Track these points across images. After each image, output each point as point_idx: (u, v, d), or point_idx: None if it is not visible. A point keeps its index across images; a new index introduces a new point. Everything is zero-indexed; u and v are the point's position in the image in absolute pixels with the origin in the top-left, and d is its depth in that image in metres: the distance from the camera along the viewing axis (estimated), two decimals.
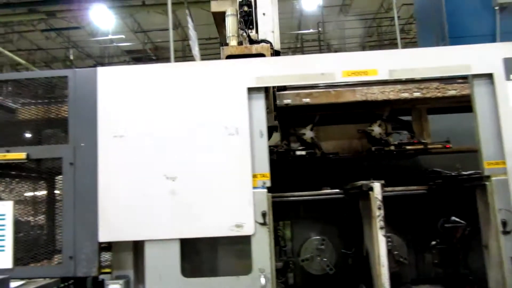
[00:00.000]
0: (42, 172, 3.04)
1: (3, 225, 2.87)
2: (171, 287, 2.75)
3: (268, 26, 3.31)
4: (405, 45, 14.77)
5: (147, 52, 19.26)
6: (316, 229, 3.74)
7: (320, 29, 17.15)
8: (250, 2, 3.35)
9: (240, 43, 3.29)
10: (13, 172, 3.10)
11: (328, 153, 3.91)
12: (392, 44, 19.02)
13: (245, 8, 3.30)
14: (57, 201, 2.97)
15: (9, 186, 3.09)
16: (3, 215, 2.88)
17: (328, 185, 3.63)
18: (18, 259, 2.87)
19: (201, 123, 2.83)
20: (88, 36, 17.81)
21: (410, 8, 15.09)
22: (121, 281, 2.84)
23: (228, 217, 2.76)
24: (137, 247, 3.03)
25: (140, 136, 2.83)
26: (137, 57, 20.19)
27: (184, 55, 18.53)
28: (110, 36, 17.33)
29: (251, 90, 2.85)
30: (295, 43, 20.45)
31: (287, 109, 3.66)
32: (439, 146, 3.60)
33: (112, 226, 2.79)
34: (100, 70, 2.92)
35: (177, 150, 2.81)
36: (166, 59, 20.70)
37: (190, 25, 8.68)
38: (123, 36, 17.94)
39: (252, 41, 3.27)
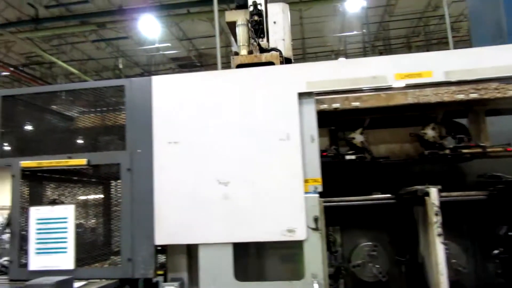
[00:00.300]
0: (101, 177, 3.18)
1: (65, 228, 3.03)
2: None
3: (279, 34, 3.38)
4: (456, 44, 14.23)
5: (192, 59, 19.69)
6: (367, 235, 3.67)
7: (364, 30, 16.87)
8: (261, 11, 3.39)
9: (250, 52, 3.35)
10: (74, 177, 3.27)
11: (378, 158, 3.82)
12: (441, 44, 18.38)
13: (256, 18, 3.36)
14: (114, 205, 3.09)
15: (71, 190, 3.26)
16: (65, 218, 3.03)
17: (378, 190, 3.56)
18: (79, 260, 3.01)
19: (252, 129, 2.86)
20: (135, 45, 18.49)
21: (459, 5, 14.53)
22: (176, 283, 2.91)
23: (280, 222, 2.77)
24: (191, 250, 3.11)
25: (193, 142, 2.90)
26: (182, 64, 20.71)
27: (228, 61, 18.80)
28: (156, 45, 17.90)
29: (301, 95, 2.86)
30: (338, 45, 20.23)
31: (335, 113, 3.62)
32: (500, 149, 3.43)
33: (167, 230, 2.88)
34: (155, 78, 3.02)
35: (229, 155, 2.86)
36: (210, 65, 21.11)
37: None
38: (169, 44, 18.49)
39: (262, 50, 3.33)
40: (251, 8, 3.40)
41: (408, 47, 19.59)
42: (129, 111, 3.02)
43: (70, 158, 3.05)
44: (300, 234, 2.74)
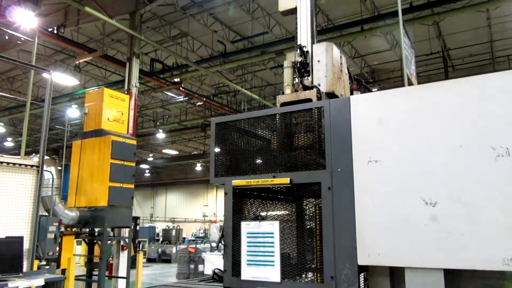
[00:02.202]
0: (300, 195, 3.32)
1: (272, 243, 3.26)
2: None
3: (322, 72, 3.71)
4: None
5: (365, 76, 19.46)
6: None
7: None
8: (306, 52, 3.85)
9: (296, 91, 3.82)
10: (277, 195, 3.51)
11: None
12: None
13: (300, 59, 3.80)
14: (315, 223, 3.19)
15: (274, 207, 3.50)
16: (272, 233, 3.26)
17: None
18: (284, 274, 3.19)
19: (461, 145, 2.63)
20: None
21: None
22: None
23: (501, 249, 2.44)
24: (394, 273, 2.99)
25: (395, 161, 2.81)
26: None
27: (402, 75, 18.02)
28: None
29: None
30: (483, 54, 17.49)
31: None
32: None
33: (370, 250, 2.82)
34: (353, 98, 3.06)
35: (436, 174, 2.67)
36: (383, 80, 20.50)
37: (407, 44, 8.35)
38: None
39: (306, 87, 3.69)
40: (298, 50, 3.82)
41: None
42: (327, 131, 3.11)
43: (274, 177, 3.29)
44: None
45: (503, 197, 2.47)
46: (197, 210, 43.57)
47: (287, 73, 4.02)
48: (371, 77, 19.82)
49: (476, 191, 2.55)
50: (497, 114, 2.57)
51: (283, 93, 3.95)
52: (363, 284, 3.46)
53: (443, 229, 2.61)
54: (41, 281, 5.00)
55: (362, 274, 3.12)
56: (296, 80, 3.88)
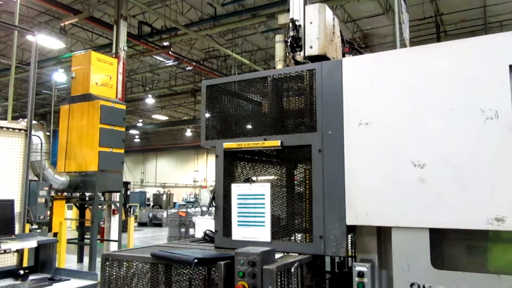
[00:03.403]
0: (291, 158, 3.35)
1: (263, 204, 3.31)
2: (420, 277, 2.67)
3: (314, 34, 3.61)
4: None
5: (357, 41, 19.25)
6: None
7: None
8: (299, 26, 3.65)
9: (287, 66, 3.77)
10: (267, 158, 3.53)
11: None
12: None
13: (292, 34, 3.63)
14: (305, 184, 3.23)
15: (264, 170, 3.53)
16: (263, 195, 3.31)
17: None
18: (274, 234, 3.26)
19: (451, 108, 2.65)
20: None
21: None
22: (367, 264, 2.92)
23: (486, 209, 2.51)
24: (381, 232, 3.07)
25: (385, 123, 2.83)
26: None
27: (394, 40, 17.87)
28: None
29: None
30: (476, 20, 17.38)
31: None
32: None
33: (358, 211, 2.89)
34: (345, 60, 3.04)
35: (425, 136, 2.70)
36: (376, 45, 20.34)
37: (403, 7, 8.24)
38: None
39: (297, 63, 3.59)
40: (290, 25, 3.65)
41: None
42: (319, 94, 3.11)
43: (265, 140, 3.30)
44: (511, 224, 2.44)
45: (490, 159, 2.52)
46: (188, 176, 43.84)
47: (279, 48, 3.91)
48: (363, 42, 19.64)
49: (464, 154, 2.59)
50: (487, 77, 2.58)
51: (274, 68, 3.88)
52: (350, 244, 3.56)
53: (430, 190, 2.67)
54: (33, 243, 5.05)
55: (350, 235, 3.21)
56: (288, 55, 3.79)
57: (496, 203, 2.48)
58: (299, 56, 3.70)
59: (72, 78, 11.87)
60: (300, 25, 3.66)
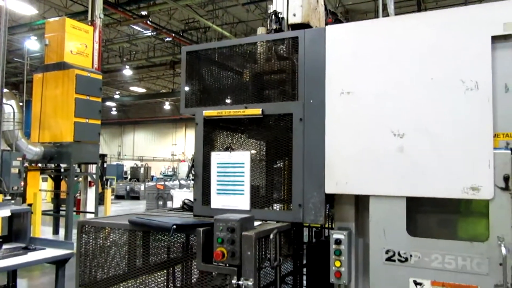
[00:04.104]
0: (272, 126, 3.32)
1: (242, 172, 3.29)
2: (395, 244, 2.74)
3: (297, 1, 3.45)
4: None
5: (338, 16, 19.11)
6: None
7: None
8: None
9: None
10: (249, 127, 3.49)
11: None
12: None
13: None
14: (286, 154, 3.23)
15: (245, 138, 3.50)
16: (242, 163, 3.29)
17: None
18: (254, 203, 3.26)
19: (432, 78, 2.66)
20: None
21: None
22: (345, 232, 2.96)
23: (462, 179, 2.56)
24: (359, 201, 3.11)
25: (367, 92, 2.83)
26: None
27: (377, 17, 17.81)
28: None
29: (495, 38, 2.53)
30: None
31: None
32: None
33: (338, 179, 2.91)
34: (328, 28, 3.00)
35: (406, 106, 2.72)
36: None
37: None
38: None
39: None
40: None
41: None
42: (301, 62, 3.07)
43: (246, 108, 3.26)
44: (485, 193, 2.51)
45: (469, 129, 2.56)
46: (166, 149, 43.46)
47: (261, 31, 3.78)
48: (344, 17, 19.52)
49: (443, 124, 2.62)
50: (469, 48, 2.59)
51: None
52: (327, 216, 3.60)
53: (409, 159, 2.70)
54: (6, 212, 4.93)
55: (327, 206, 3.24)
56: (269, 28, 3.66)
57: (472, 172, 2.54)
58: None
59: (45, 46, 11.43)
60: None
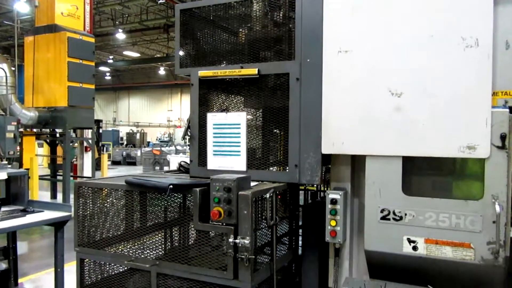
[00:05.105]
0: (268, 87, 3.28)
1: (238, 133, 3.27)
2: (391, 203, 2.76)
3: None
4: None
5: None
6: None
7: None
8: None
9: None
10: (245, 87, 3.44)
11: None
12: None
13: None
14: (283, 114, 3.20)
15: (241, 99, 3.45)
16: (238, 124, 3.27)
17: None
18: (250, 163, 3.26)
19: (432, 35, 2.60)
20: None
21: None
22: (340, 192, 2.98)
23: (459, 138, 2.55)
24: (355, 161, 3.11)
25: (365, 51, 2.77)
26: None
27: None
28: None
29: None
30: None
31: None
32: None
33: (334, 139, 2.89)
34: None
35: (405, 64, 2.67)
36: None
37: None
38: None
39: None
40: None
41: None
42: (298, 20, 2.99)
43: (242, 68, 3.20)
44: (482, 151, 2.51)
45: (467, 88, 2.53)
46: (162, 115, 43.21)
47: None
48: None
49: (441, 82, 2.59)
50: (469, 3, 2.51)
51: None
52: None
53: (406, 119, 2.68)
54: (3, 175, 4.93)
55: (324, 167, 3.24)
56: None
57: (469, 131, 2.53)
58: None
59: (35, 7, 11.11)
60: None
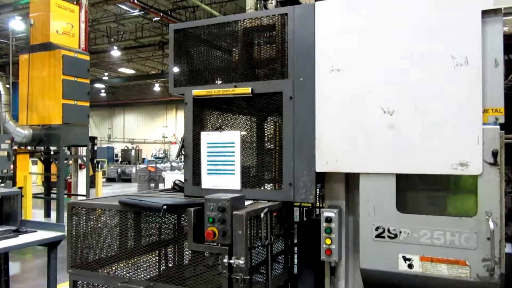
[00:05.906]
0: (261, 105, 3.29)
1: (232, 152, 3.27)
2: (385, 220, 2.76)
3: None
4: None
5: None
6: None
7: None
8: None
9: None
10: (238, 106, 3.46)
11: None
12: None
13: None
14: (276, 133, 3.21)
15: (235, 118, 3.47)
16: (233, 143, 3.27)
17: None
18: (244, 182, 3.26)
19: (423, 53, 2.64)
20: None
21: None
22: (335, 210, 2.98)
23: (451, 155, 2.57)
24: (349, 178, 3.12)
25: (357, 70, 2.80)
26: None
27: None
28: None
29: (486, 13, 2.50)
30: None
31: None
32: None
33: (328, 158, 2.91)
34: (318, 4, 2.94)
35: (396, 83, 2.70)
36: None
37: None
38: None
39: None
40: None
41: None
42: (291, 39, 3.02)
43: (236, 87, 3.22)
44: (474, 168, 2.52)
45: (458, 105, 2.56)
46: (157, 131, 43.20)
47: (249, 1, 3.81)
48: None
49: (432, 100, 2.62)
50: (459, 23, 2.56)
51: None
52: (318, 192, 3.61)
53: (398, 136, 2.70)
54: None
55: (318, 185, 3.24)
56: (259, 5, 3.68)
57: (461, 148, 2.55)
58: (271, 5, 3.59)
59: (30, 26, 11.18)
60: None
